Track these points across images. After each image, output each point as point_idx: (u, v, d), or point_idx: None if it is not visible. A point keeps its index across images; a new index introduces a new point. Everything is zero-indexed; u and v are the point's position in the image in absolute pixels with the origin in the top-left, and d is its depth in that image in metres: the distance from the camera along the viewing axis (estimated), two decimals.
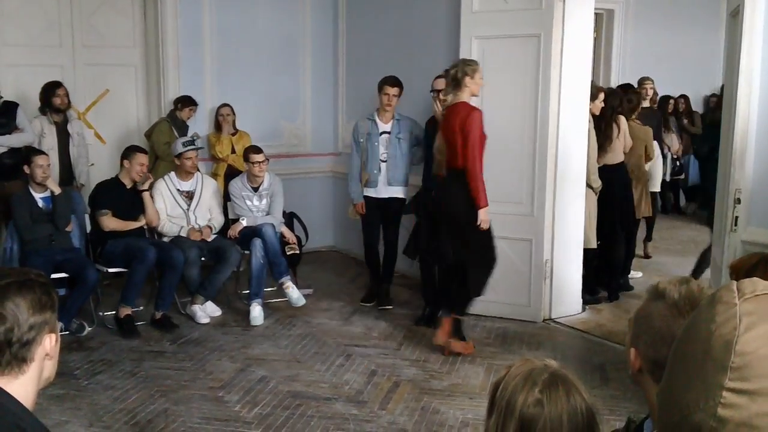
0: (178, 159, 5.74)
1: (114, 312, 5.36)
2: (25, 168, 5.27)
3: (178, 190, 5.77)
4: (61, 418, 3.93)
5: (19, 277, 1.57)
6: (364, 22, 7.17)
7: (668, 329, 1.38)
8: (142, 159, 5.52)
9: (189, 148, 5.72)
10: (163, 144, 6.13)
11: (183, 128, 6.51)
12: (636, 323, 1.47)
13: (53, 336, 1.58)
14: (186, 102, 6.54)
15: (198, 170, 6.13)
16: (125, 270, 5.36)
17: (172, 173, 5.79)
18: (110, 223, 5.42)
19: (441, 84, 5.34)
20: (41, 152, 5.45)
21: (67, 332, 5.05)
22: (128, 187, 5.53)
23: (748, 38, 3.87)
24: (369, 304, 5.93)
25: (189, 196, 5.79)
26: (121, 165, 5.55)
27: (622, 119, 5.87)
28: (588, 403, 1.47)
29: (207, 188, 5.88)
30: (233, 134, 6.74)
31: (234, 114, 6.75)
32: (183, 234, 5.63)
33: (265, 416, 3.98)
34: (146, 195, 5.54)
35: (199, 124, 6.83)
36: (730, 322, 0.88)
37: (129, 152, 5.55)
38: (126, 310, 5.33)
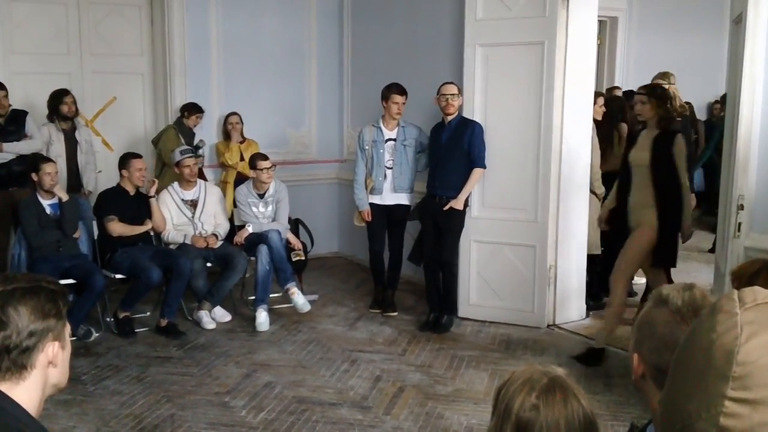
0: (177, 167, 5.79)
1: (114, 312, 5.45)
2: (33, 175, 5.31)
3: (182, 199, 5.81)
4: (68, 423, 3.96)
5: (28, 283, 1.56)
6: (369, 30, 7.21)
7: (671, 335, 1.40)
8: (138, 164, 5.55)
9: (186, 156, 5.76)
10: (170, 151, 6.16)
11: (190, 135, 6.55)
12: (639, 329, 1.48)
13: (56, 344, 1.57)
14: (192, 109, 6.58)
15: (203, 178, 6.20)
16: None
17: (176, 183, 5.84)
18: (117, 227, 5.45)
19: (450, 89, 5.38)
20: (49, 159, 5.49)
21: (75, 338, 5.08)
22: (132, 193, 5.57)
23: (751, 45, 3.89)
24: (377, 311, 5.95)
25: (193, 204, 5.83)
26: (121, 174, 5.60)
27: (624, 127, 5.89)
28: (587, 409, 1.46)
29: (211, 196, 5.92)
30: (241, 142, 6.78)
31: (242, 122, 6.79)
32: (187, 242, 5.66)
33: (270, 421, 4.01)
34: (153, 201, 5.58)
35: (207, 132, 6.87)
36: (731, 331, 0.88)
37: (124, 160, 5.60)
38: (124, 313, 5.41)
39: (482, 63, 5.50)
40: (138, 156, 5.66)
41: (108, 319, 5.50)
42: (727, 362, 0.87)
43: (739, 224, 4.01)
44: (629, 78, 9.08)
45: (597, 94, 5.89)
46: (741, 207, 4.01)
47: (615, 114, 5.86)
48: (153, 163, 6.77)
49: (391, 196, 5.84)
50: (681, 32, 9.37)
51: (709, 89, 9.84)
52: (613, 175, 5.83)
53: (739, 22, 4.15)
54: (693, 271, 7.10)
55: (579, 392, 1.47)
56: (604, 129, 5.81)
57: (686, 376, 0.94)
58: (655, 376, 1.45)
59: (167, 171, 6.28)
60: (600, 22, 5.94)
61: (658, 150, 4.60)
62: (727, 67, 4.84)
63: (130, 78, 6.96)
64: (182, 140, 6.38)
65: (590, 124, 5.55)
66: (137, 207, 5.58)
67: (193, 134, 6.62)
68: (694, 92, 9.67)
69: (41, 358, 1.55)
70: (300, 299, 5.62)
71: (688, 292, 1.44)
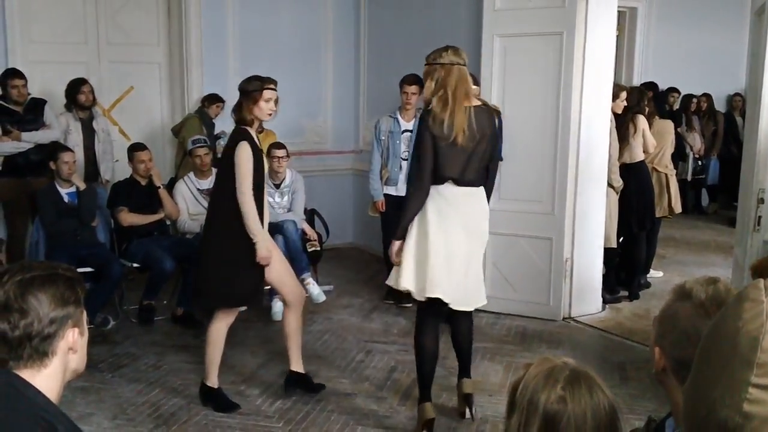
0: (190, 157, 5.82)
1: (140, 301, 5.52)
2: (51, 164, 5.35)
3: (198, 189, 5.83)
4: (86, 410, 3.99)
5: (45, 270, 1.59)
6: (386, 20, 7.18)
7: (694, 329, 1.39)
8: (141, 156, 5.56)
9: (198, 145, 5.78)
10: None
11: (210, 125, 6.57)
12: (661, 322, 1.47)
13: (76, 330, 1.60)
14: (213, 99, 6.61)
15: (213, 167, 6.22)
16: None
17: (191, 173, 5.87)
18: (128, 217, 5.49)
19: None
20: (67, 148, 5.53)
21: (92, 326, 5.10)
22: (143, 184, 5.60)
23: None
24: (392, 302, 5.95)
25: (209, 194, 5.84)
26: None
27: (641, 119, 5.85)
28: (610, 399, 1.47)
29: None
30: (260, 132, 6.77)
31: None
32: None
33: (286, 410, 4.03)
34: (162, 191, 5.60)
35: (225, 122, 6.87)
36: (756, 319, 0.89)
37: (129, 153, 5.64)
38: (148, 301, 5.49)
39: (500, 54, 5.47)
40: (141, 148, 5.65)
41: (125, 307, 5.54)
42: (751, 349, 0.88)
43: (759, 218, 3.97)
44: (648, 69, 9.03)
45: (620, 88, 5.84)
46: (761, 201, 3.97)
47: (632, 106, 5.82)
48: (172, 152, 6.80)
49: (405, 188, 5.83)
50: (701, 23, 9.29)
51: (729, 81, 9.75)
52: (627, 167, 5.82)
53: (761, 13, 4.09)
54: (710, 265, 7.05)
55: (601, 383, 1.47)
56: (619, 121, 5.78)
57: (711, 363, 0.95)
58: (677, 370, 1.45)
59: (188, 160, 6.29)
60: (619, 13, 5.87)
61: (226, 159, 3.93)
62: (747, 59, 4.80)
63: (146, 67, 6.98)
64: (204, 130, 6.40)
65: (609, 116, 5.51)
66: (149, 197, 5.60)
67: (213, 124, 6.64)
68: (713, 84, 9.61)
69: (62, 345, 1.58)
70: (315, 290, 5.63)
71: (712, 286, 1.43)
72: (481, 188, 3.67)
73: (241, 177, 3.81)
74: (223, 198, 3.90)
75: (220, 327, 4.03)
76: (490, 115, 3.66)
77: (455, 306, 3.66)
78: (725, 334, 0.93)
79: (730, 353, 0.91)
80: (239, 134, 3.93)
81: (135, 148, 5.65)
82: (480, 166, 3.61)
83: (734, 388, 0.89)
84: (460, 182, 3.56)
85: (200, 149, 5.78)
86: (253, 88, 3.96)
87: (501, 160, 5.16)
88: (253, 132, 3.99)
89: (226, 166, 3.91)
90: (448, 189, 3.57)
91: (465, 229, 3.60)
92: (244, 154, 3.84)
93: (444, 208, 3.56)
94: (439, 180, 3.55)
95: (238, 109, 3.99)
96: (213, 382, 4.07)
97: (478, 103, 3.68)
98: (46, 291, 1.55)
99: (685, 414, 1.01)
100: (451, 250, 3.57)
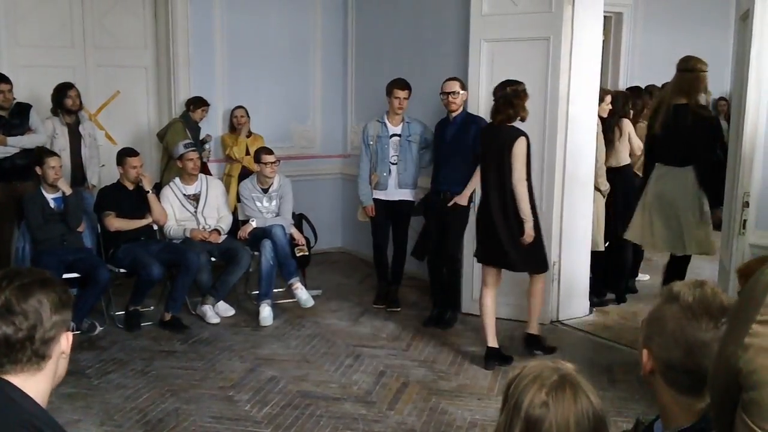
0: (180, 161, 5.79)
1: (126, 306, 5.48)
2: (37, 169, 5.32)
3: (184, 194, 5.81)
4: (73, 416, 3.96)
5: (38, 276, 1.61)
6: (374, 25, 7.19)
7: (681, 332, 1.40)
8: (133, 162, 5.54)
9: (189, 149, 5.76)
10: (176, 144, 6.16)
11: (195, 129, 6.55)
12: (649, 325, 1.49)
13: (70, 335, 1.63)
14: (198, 103, 6.58)
15: (207, 173, 6.19)
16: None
17: (177, 179, 5.84)
18: (115, 222, 5.46)
19: (451, 86, 5.37)
20: (53, 153, 5.49)
21: (79, 332, 5.09)
22: (131, 189, 5.58)
23: (758, 42, 3.87)
24: (381, 306, 5.95)
25: (195, 198, 5.83)
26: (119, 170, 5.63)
27: (626, 122, 5.89)
28: (596, 407, 1.45)
29: (213, 189, 5.91)
30: (248, 136, 6.78)
31: (248, 116, 6.79)
32: (188, 236, 5.66)
33: (274, 416, 4.02)
34: (151, 196, 5.58)
35: (212, 126, 6.86)
36: None
37: (120, 157, 5.60)
38: (134, 306, 5.45)
39: (487, 58, 5.49)
40: (133, 154, 5.62)
41: (112, 313, 5.51)
42: (764, 293, 0.99)
43: (744, 221, 4.01)
44: (634, 74, 9.06)
45: (605, 92, 5.87)
46: (746, 204, 4.01)
47: (618, 110, 5.86)
48: (159, 156, 6.77)
49: (395, 192, 5.84)
50: (686, 28, 9.34)
51: (715, 86, 9.79)
52: (613, 171, 5.84)
53: (745, 18, 4.13)
54: (696, 268, 7.08)
55: (589, 389, 1.47)
56: (605, 125, 5.81)
57: (735, 317, 1.08)
58: (664, 372, 1.46)
59: (173, 164, 6.27)
60: (605, 17, 5.92)
61: (504, 153, 4.69)
62: (732, 63, 4.84)
63: (133, 71, 6.95)
64: (189, 134, 6.37)
65: (595, 120, 5.54)
66: (137, 202, 5.57)
67: (199, 128, 6.62)
68: None
69: (57, 349, 1.60)
70: (303, 294, 5.63)
71: (699, 289, 1.44)
72: (685, 168, 4.81)
73: (520, 167, 4.50)
74: (506, 184, 4.55)
75: (490, 299, 4.75)
76: (695, 116, 4.72)
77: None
78: (749, 286, 1.05)
79: (748, 300, 1.02)
80: (515, 130, 4.56)
81: (126, 154, 5.61)
82: (678, 151, 4.78)
83: (741, 328, 1.00)
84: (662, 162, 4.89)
85: (192, 153, 5.76)
86: (523, 88, 4.60)
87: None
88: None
89: (506, 158, 4.51)
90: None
91: (658, 198, 4.86)
92: (525, 148, 4.52)
93: (651, 179, 4.91)
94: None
95: (513, 109, 4.55)
96: (493, 343, 4.73)
97: (684, 101, 4.75)
98: (46, 295, 1.56)
99: (711, 377, 1.15)
100: (646, 206, 4.94)
